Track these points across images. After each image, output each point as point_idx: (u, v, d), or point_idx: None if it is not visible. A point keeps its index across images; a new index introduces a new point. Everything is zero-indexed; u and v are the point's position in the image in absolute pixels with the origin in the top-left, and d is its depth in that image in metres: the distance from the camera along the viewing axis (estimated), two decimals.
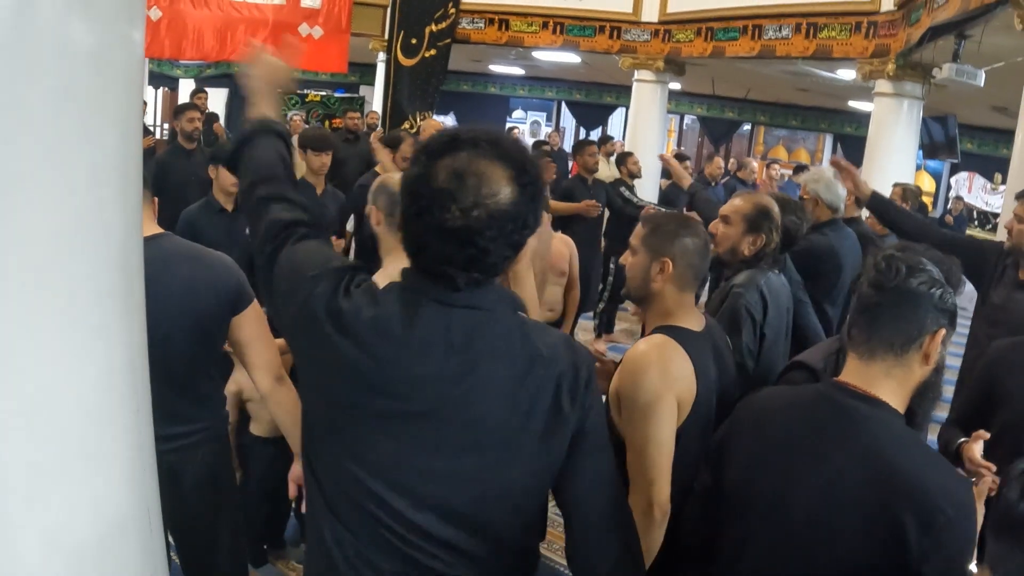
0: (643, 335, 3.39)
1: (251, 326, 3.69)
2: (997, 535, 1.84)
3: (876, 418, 2.32)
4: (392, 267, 3.89)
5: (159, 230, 3.62)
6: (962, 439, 3.59)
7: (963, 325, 10.07)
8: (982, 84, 9.35)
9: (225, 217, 6.41)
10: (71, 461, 2.01)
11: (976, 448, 3.30)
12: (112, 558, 2.14)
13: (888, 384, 2.35)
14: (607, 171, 12.32)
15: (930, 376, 2.37)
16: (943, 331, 2.32)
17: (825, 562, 2.28)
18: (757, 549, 2.47)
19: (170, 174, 8.83)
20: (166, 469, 3.34)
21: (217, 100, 22.47)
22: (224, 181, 6.47)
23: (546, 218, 5.92)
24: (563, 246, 7.07)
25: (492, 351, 2.12)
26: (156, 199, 3.78)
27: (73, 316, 1.95)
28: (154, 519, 2.37)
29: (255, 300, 3.72)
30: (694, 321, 3.32)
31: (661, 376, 3.05)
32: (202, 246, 3.83)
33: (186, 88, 22.01)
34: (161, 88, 24.60)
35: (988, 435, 3.26)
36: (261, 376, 3.64)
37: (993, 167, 20.44)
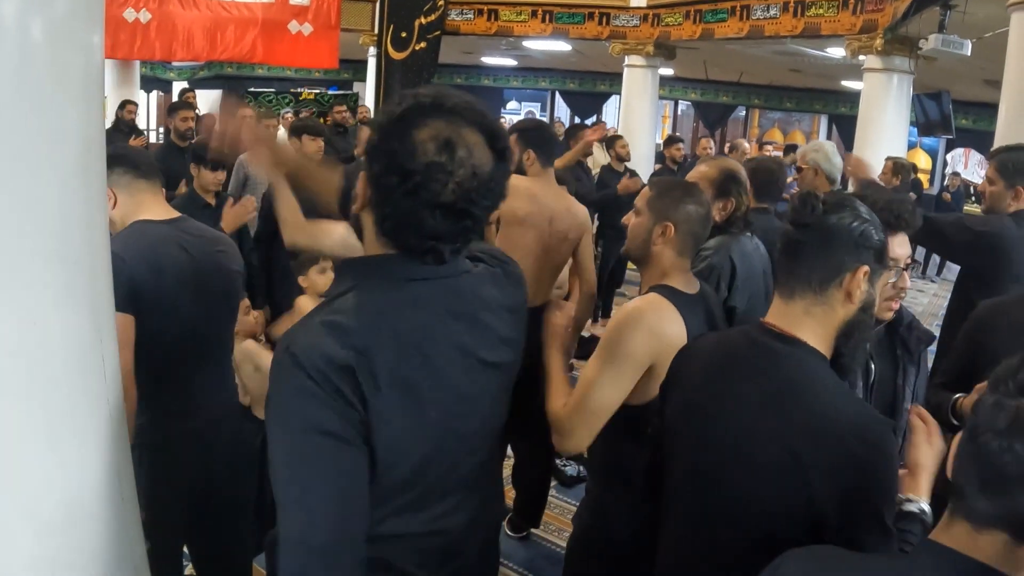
0: (640, 294, 3.38)
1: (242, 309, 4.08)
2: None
3: (791, 355, 2.32)
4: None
5: (176, 213, 3.74)
6: (958, 395, 3.55)
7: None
8: (968, 53, 9.34)
9: (209, 211, 6.42)
10: (40, 430, 2.03)
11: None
12: (84, 526, 2.16)
13: (808, 323, 2.34)
14: (601, 156, 12.30)
15: (855, 315, 2.34)
16: (865, 268, 2.30)
17: (742, 496, 2.29)
18: (685, 484, 2.51)
19: (165, 173, 8.80)
20: (203, 442, 3.65)
21: (211, 101, 22.51)
22: (205, 180, 6.52)
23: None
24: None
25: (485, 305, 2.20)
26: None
27: (36, 283, 1.98)
28: (126, 488, 2.38)
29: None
30: (689, 284, 3.32)
31: (646, 338, 3.04)
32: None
33: (179, 91, 22.02)
34: (154, 91, 24.60)
35: None
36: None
37: (988, 142, 20.04)
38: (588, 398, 3.03)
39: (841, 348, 2.38)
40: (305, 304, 5.33)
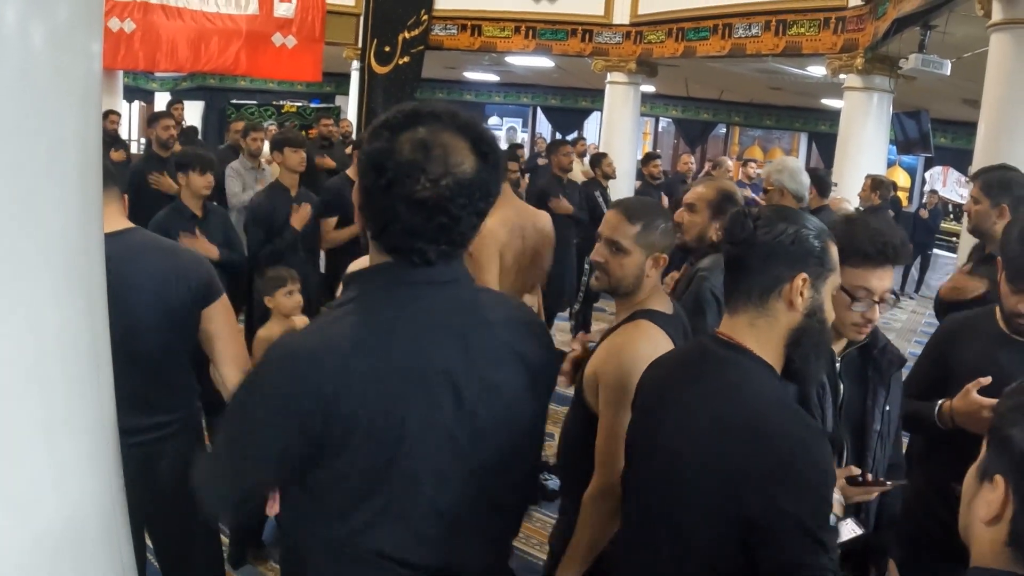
0: (617, 320, 3.41)
1: (220, 319, 3.75)
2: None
3: (733, 362, 2.36)
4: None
5: (129, 225, 3.64)
6: (942, 400, 3.58)
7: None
8: (948, 73, 9.42)
9: (195, 222, 6.41)
10: (32, 438, 2.03)
11: (975, 395, 3.34)
12: (77, 537, 2.16)
13: (753, 334, 2.38)
14: (580, 171, 12.36)
15: (801, 322, 2.37)
16: (803, 276, 2.33)
17: (679, 500, 2.32)
18: (635, 491, 2.57)
19: (146, 184, 8.82)
20: (141, 460, 3.40)
21: (193, 112, 22.48)
22: (195, 185, 6.47)
23: (546, 217, 5.94)
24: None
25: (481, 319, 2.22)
26: (126, 196, 3.79)
27: (34, 289, 1.98)
28: (118, 499, 2.39)
29: (224, 294, 3.78)
30: (666, 303, 3.37)
31: (643, 365, 2.93)
32: (171, 240, 3.90)
33: (162, 101, 21.95)
34: (136, 102, 24.54)
35: (988, 380, 3.30)
36: (229, 370, 3.70)
37: (967, 160, 20.30)
38: (612, 442, 3.05)
39: (792, 355, 2.41)
40: (269, 333, 5.33)
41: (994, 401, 3.32)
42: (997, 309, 3.72)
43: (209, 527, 3.91)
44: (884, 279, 3.08)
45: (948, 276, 15.85)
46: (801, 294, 2.34)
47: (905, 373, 3.40)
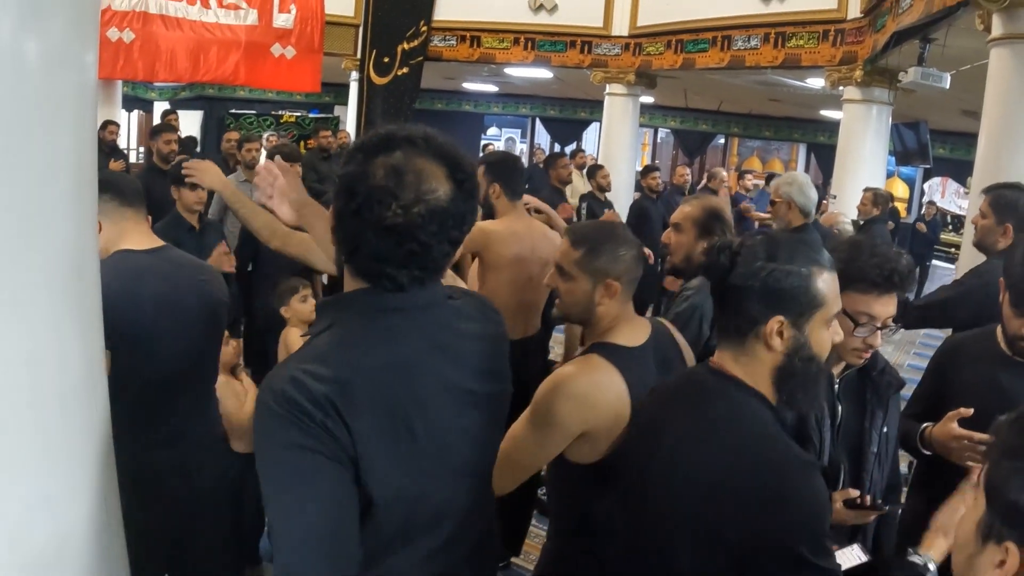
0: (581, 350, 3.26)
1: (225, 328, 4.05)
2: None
3: (722, 391, 2.35)
4: None
5: (161, 242, 3.76)
6: (926, 424, 3.59)
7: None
8: (947, 86, 9.41)
9: (194, 235, 6.46)
10: (30, 463, 2.01)
11: (955, 425, 3.34)
12: (72, 559, 2.15)
13: (738, 369, 2.38)
14: (581, 184, 12.35)
15: (783, 362, 2.35)
16: (778, 318, 2.31)
17: (678, 531, 2.30)
18: (630, 519, 2.54)
19: (148, 196, 8.78)
20: (183, 471, 3.63)
21: (192, 122, 22.49)
22: (187, 200, 6.55)
23: (555, 233, 5.93)
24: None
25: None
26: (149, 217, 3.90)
27: (28, 312, 1.96)
28: (113, 520, 2.38)
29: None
30: (634, 335, 3.18)
31: (576, 408, 2.91)
32: (195, 257, 4.08)
33: (160, 111, 21.98)
34: (136, 111, 24.55)
35: (969, 411, 3.29)
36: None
37: (965, 171, 20.44)
38: (513, 452, 2.93)
39: (780, 393, 2.39)
40: (291, 336, 5.39)
41: (966, 433, 3.33)
42: (998, 329, 3.71)
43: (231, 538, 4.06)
44: (888, 306, 3.04)
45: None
46: (780, 334, 2.32)
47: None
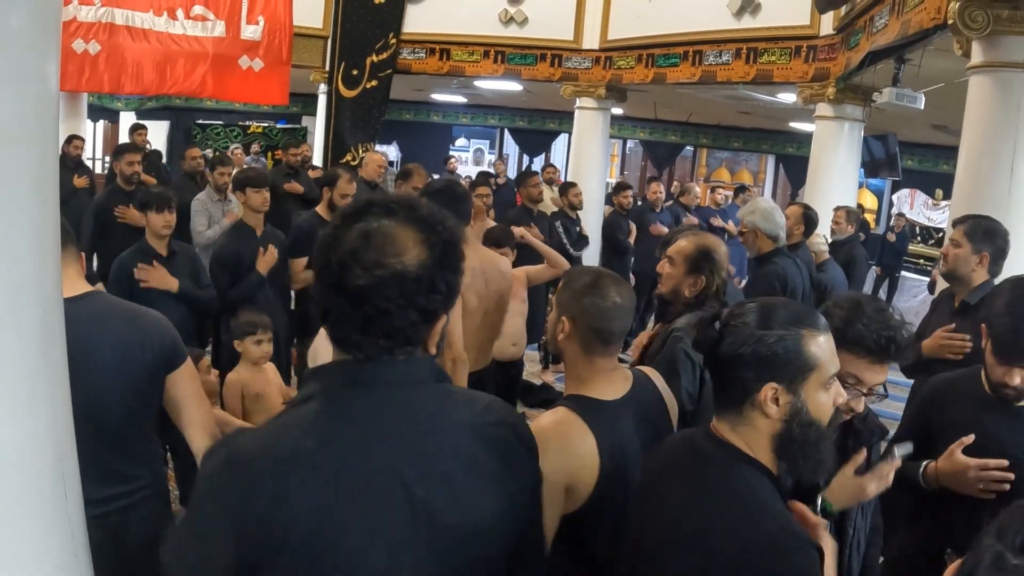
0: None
1: (185, 384, 3.67)
2: None
3: (721, 462, 2.33)
4: None
5: (88, 288, 3.55)
6: (926, 461, 3.63)
7: None
8: (922, 107, 9.40)
9: (160, 262, 6.30)
10: None
11: (966, 457, 3.42)
12: None
13: (738, 437, 2.35)
14: (550, 200, 12.32)
15: (782, 428, 2.31)
16: (771, 386, 2.28)
17: None
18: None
19: (111, 219, 8.73)
20: (109, 531, 3.35)
21: (158, 133, 22.32)
22: (154, 225, 6.39)
23: (505, 255, 5.88)
24: (524, 276, 7.15)
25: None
26: (83, 255, 3.69)
27: None
28: None
29: (188, 358, 3.71)
30: (609, 388, 3.13)
31: (554, 461, 2.77)
32: (133, 303, 3.81)
33: (126, 121, 21.79)
34: (101, 121, 24.36)
35: (971, 438, 3.41)
36: (196, 434, 3.62)
37: (934, 183, 20.70)
38: None
39: (782, 461, 2.36)
40: (238, 377, 5.31)
41: (980, 462, 3.36)
42: (982, 371, 3.72)
43: None
44: (880, 374, 3.05)
45: (916, 298, 15.89)
46: (776, 401, 2.28)
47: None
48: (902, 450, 3.21)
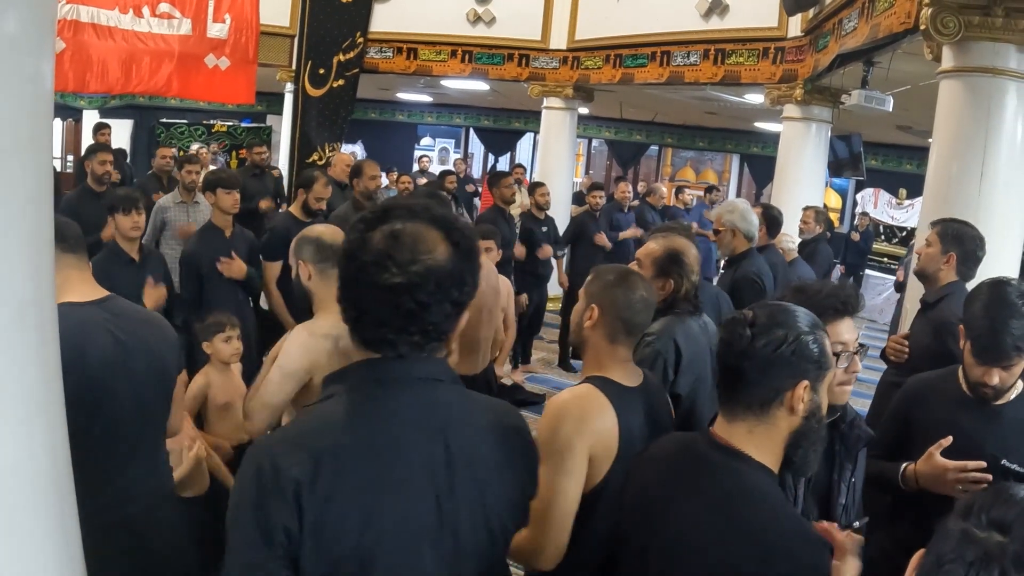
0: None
1: (180, 387, 3.84)
2: None
3: (733, 470, 2.35)
4: (324, 320, 3.87)
5: (104, 292, 3.59)
6: (906, 463, 3.72)
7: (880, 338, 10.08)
8: (891, 109, 9.47)
9: (133, 269, 6.31)
10: None
11: (944, 459, 3.48)
12: None
13: (752, 440, 2.38)
14: (526, 202, 12.33)
15: (801, 425, 2.38)
16: (805, 383, 2.34)
17: None
18: None
19: (81, 220, 8.60)
20: (135, 532, 3.50)
21: (122, 132, 22.14)
22: (122, 227, 6.38)
23: (490, 259, 5.92)
24: (501, 285, 7.15)
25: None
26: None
27: None
28: None
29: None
30: (627, 376, 3.28)
31: (576, 427, 3.01)
32: (139, 307, 3.97)
33: (90, 119, 21.55)
34: (65, 120, 24.10)
35: (949, 440, 3.48)
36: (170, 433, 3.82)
37: (897, 182, 20.85)
38: (550, 507, 2.96)
39: (791, 456, 2.41)
40: (205, 379, 5.30)
41: (958, 464, 3.41)
42: (959, 371, 3.78)
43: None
44: (852, 330, 3.14)
45: (881, 296, 16.01)
46: (803, 400, 2.33)
47: None
48: (861, 523, 3.26)
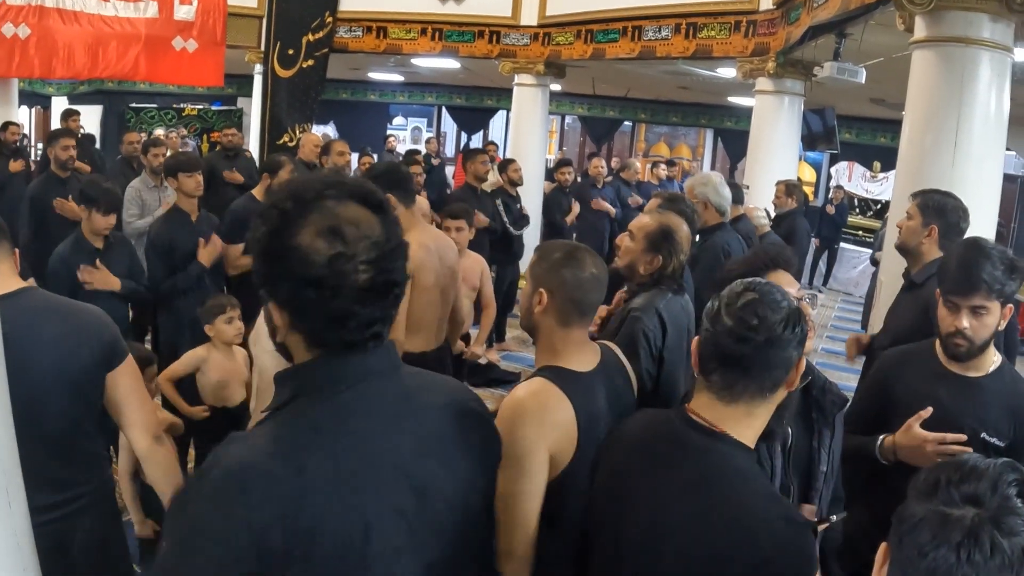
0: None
1: (126, 383, 3.52)
2: None
3: (713, 450, 2.32)
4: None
5: (21, 283, 3.42)
6: (882, 435, 3.69)
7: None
8: (863, 81, 9.47)
9: (96, 254, 6.21)
10: None
11: (923, 431, 3.45)
12: None
13: (747, 420, 2.35)
14: (492, 178, 12.28)
15: (786, 397, 2.38)
16: (803, 359, 2.35)
17: None
18: (605, 571, 2.51)
19: (47, 206, 8.57)
20: (53, 540, 3.16)
21: (91, 117, 21.96)
22: (97, 225, 6.27)
23: (461, 239, 5.90)
24: (474, 262, 7.27)
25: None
26: (17, 251, 3.53)
27: None
28: None
29: (129, 355, 3.56)
30: (583, 360, 3.20)
31: (535, 428, 2.93)
32: (70, 299, 3.68)
33: (59, 106, 21.40)
34: (34, 107, 23.93)
35: (928, 411, 3.45)
36: (138, 435, 3.50)
37: (871, 155, 20.87)
38: (513, 511, 2.91)
39: (773, 427, 2.42)
40: (206, 353, 5.25)
41: (937, 435, 3.40)
42: (936, 343, 3.78)
43: None
44: (792, 283, 3.28)
45: (856, 269, 16.09)
46: (800, 371, 2.34)
47: None
48: (838, 517, 3.26)
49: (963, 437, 3.40)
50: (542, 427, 2.93)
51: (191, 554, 1.82)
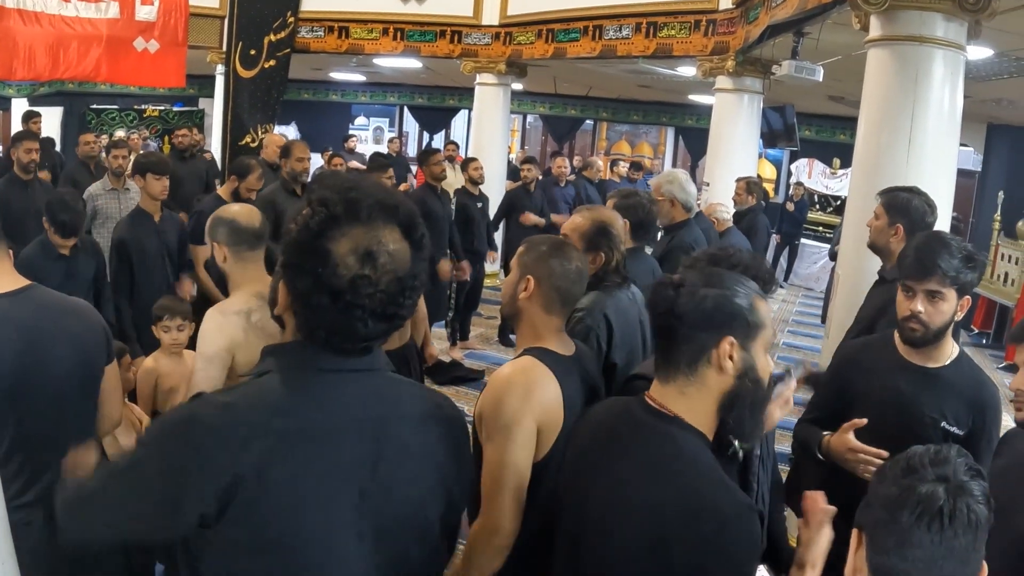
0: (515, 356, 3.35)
1: (111, 379, 3.67)
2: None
3: (663, 433, 2.36)
4: (234, 299, 3.85)
5: (24, 281, 3.46)
6: (825, 433, 3.75)
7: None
8: (821, 79, 9.56)
9: (63, 262, 6.24)
10: None
11: (851, 437, 3.51)
12: None
13: (684, 402, 2.39)
14: (455, 179, 12.29)
15: (734, 385, 2.37)
16: (729, 339, 2.34)
17: (606, 570, 2.34)
18: (563, 553, 2.56)
19: (8, 209, 8.51)
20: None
21: (51, 119, 21.80)
22: (56, 238, 6.23)
23: None
24: None
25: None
26: (11, 251, 3.58)
27: None
28: None
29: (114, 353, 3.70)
30: (563, 346, 3.31)
31: (522, 400, 3.02)
32: (66, 296, 3.72)
33: (19, 108, 21.21)
34: None
35: (863, 421, 3.49)
36: (106, 427, 3.70)
37: (831, 152, 21.00)
38: (495, 479, 2.98)
39: (726, 419, 2.41)
40: (155, 364, 5.30)
41: (860, 446, 3.45)
42: (896, 335, 3.81)
43: None
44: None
45: (816, 264, 16.15)
46: (730, 357, 2.34)
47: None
48: (797, 372, 3.30)
49: (884, 453, 3.42)
50: (529, 400, 3.03)
51: (147, 474, 1.95)
